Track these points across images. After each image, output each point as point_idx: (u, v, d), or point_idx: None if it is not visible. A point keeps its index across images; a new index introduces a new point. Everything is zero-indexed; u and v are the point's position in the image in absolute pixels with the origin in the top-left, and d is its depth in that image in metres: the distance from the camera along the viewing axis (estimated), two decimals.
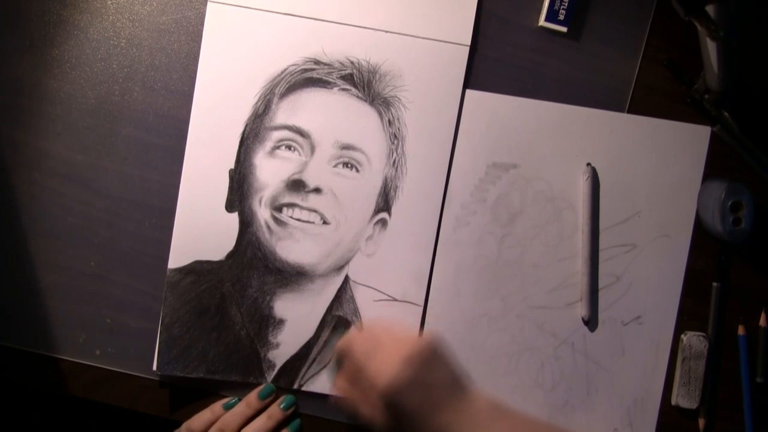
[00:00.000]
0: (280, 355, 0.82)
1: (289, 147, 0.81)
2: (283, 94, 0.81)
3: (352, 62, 0.82)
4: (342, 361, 0.74)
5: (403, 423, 0.68)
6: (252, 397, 0.81)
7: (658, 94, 0.85)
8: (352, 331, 0.82)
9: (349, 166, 0.82)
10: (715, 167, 0.85)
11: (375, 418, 0.70)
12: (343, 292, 0.83)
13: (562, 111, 0.84)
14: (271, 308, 0.82)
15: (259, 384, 0.82)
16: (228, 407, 0.81)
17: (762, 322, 0.85)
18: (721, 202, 0.80)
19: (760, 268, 0.86)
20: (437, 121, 0.83)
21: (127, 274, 0.83)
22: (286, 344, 0.82)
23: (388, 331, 0.73)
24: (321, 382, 0.83)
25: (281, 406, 0.82)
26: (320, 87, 0.81)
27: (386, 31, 0.82)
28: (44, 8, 0.81)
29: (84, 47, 0.82)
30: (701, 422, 0.85)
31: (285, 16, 0.81)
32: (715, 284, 0.85)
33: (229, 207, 0.81)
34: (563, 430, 0.70)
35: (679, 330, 0.85)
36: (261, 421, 0.80)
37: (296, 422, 0.83)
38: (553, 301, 0.84)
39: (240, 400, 0.82)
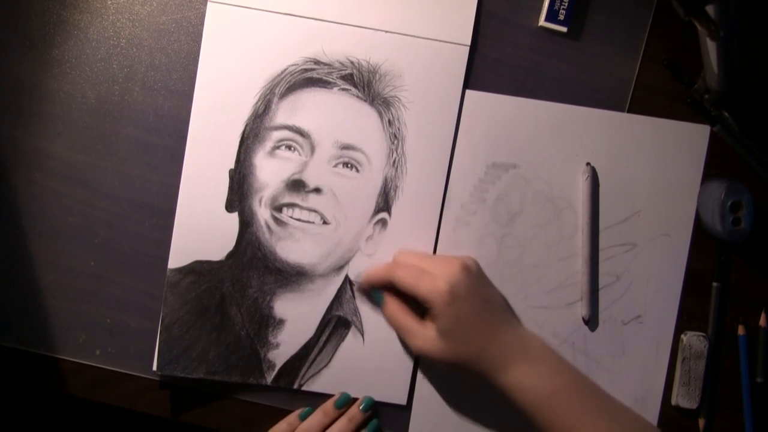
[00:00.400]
0: (280, 355, 0.82)
1: (289, 147, 0.81)
2: (283, 94, 0.81)
3: (352, 62, 0.82)
4: (381, 296, 0.79)
5: (456, 340, 0.70)
6: (329, 406, 0.82)
7: (658, 94, 0.85)
8: (386, 264, 0.81)
9: (349, 166, 0.82)
10: (715, 167, 0.85)
11: (428, 342, 0.72)
12: (343, 292, 0.83)
13: (562, 111, 0.84)
14: (271, 308, 0.82)
15: (258, 384, 0.82)
16: (303, 417, 0.81)
17: (762, 322, 0.85)
18: (721, 202, 0.80)
19: (760, 268, 0.86)
20: (437, 121, 0.83)
21: (127, 274, 0.83)
22: (286, 344, 0.82)
23: (427, 255, 0.79)
24: (321, 382, 0.83)
25: (361, 407, 0.82)
26: (320, 87, 0.81)
27: (386, 31, 0.82)
28: (44, 8, 0.81)
29: (84, 47, 0.82)
30: (701, 422, 0.85)
31: (285, 16, 0.81)
32: (715, 284, 0.85)
33: (229, 207, 0.81)
34: (600, 389, 0.72)
35: (679, 330, 0.85)
36: (342, 423, 0.81)
37: (374, 422, 0.83)
38: (553, 301, 0.84)
39: (313, 409, 0.82)
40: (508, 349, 0.72)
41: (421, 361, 0.84)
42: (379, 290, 0.81)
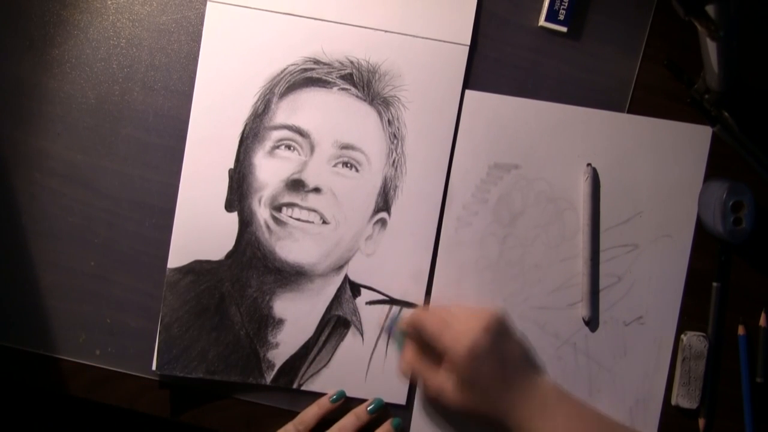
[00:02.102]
0: (279, 355, 0.82)
1: (288, 147, 0.81)
2: (283, 94, 0.81)
3: (351, 62, 0.82)
4: (402, 339, 0.79)
5: (473, 394, 0.71)
6: (361, 411, 0.82)
7: (658, 94, 0.85)
8: (419, 309, 0.82)
9: (348, 165, 0.82)
10: (715, 167, 0.85)
11: (444, 392, 0.72)
12: (343, 292, 0.83)
13: (562, 111, 0.84)
14: (270, 308, 0.82)
15: (258, 384, 0.82)
16: (334, 400, 0.82)
17: (762, 322, 0.85)
18: (723, 202, 0.80)
19: (760, 268, 0.86)
20: (437, 120, 0.83)
21: (127, 274, 0.83)
22: (285, 344, 0.82)
23: (458, 305, 0.79)
24: (320, 382, 0.83)
25: (393, 424, 0.83)
26: (320, 87, 0.81)
27: (386, 31, 0.82)
28: (44, 8, 0.82)
29: (84, 47, 0.82)
30: (701, 422, 0.85)
31: (285, 15, 0.81)
32: (715, 284, 0.85)
33: (229, 207, 0.81)
34: (624, 426, 0.72)
35: (679, 330, 0.85)
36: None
37: (397, 419, 0.84)
38: (554, 302, 0.84)
39: (344, 392, 0.83)
40: (524, 403, 0.72)
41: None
42: (401, 333, 0.82)
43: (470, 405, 0.72)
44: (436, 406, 0.83)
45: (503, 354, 0.73)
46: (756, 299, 0.86)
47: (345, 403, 0.83)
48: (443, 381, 0.74)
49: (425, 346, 0.77)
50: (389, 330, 0.83)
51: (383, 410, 0.83)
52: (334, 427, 0.80)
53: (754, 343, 0.85)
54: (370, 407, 0.82)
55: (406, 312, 0.83)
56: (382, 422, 0.82)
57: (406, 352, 0.80)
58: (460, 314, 0.76)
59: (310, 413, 0.81)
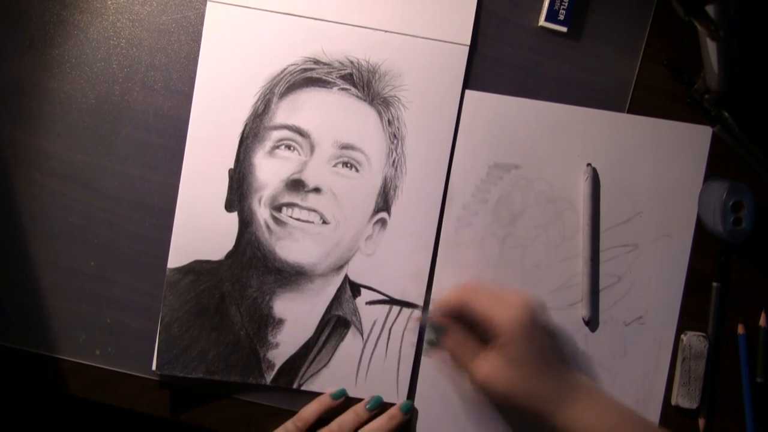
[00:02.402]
0: (279, 355, 0.82)
1: (288, 147, 0.81)
2: (283, 94, 0.81)
3: (351, 62, 0.82)
4: (441, 331, 0.76)
5: (523, 372, 0.70)
6: (360, 408, 0.82)
7: (658, 94, 0.85)
8: (459, 290, 0.78)
9: (348, 165, 0.82)
10: (715, 167, 0.85)
11: (494, 373, 0.71)
12: (343, 292, 0.83)
13: (562, 111, 0.84)
14: (270, 308, 0.82)
15: (258, 384, 0.82)
16: (335, 397, 0.82)
17: (762, 322, 0.85)
18: (723, 202, 0.80)
19: (760, 268, 0.86)
20: (437, 120, 0.83)
21: (127, 274, 0.83)
22: (285, 344, 0.82)
23: (498, 288, 0.78)
24: (320, 382, 0.83)
25: (402, 408, 0.83)
26: (320, 87, 0.81)
27: (386, 31, 0.82)
28: (44, 8, 0.82)
29: (84, 47, 0.82)
30: (701, 422, 0.85)
31: (285, 15, 0.81)
32: (715, 284, 0.85)
33: (229, 207, 0.81)
34: (653, 423, 0.72)
35: (679, 330, 0.85)
36: (382, 421, 0.82)
37: (408, 403, 0.84)
38: (555, 302, 0.84)
39: (345, 391, 0.83)
40: (567, 387, 0.72)
41: (422, 363, 0.84)
42: (438, 323, 0.78)
43: (519, 382, 0.70)
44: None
45: (550, 332, 0.73)
46: (756, 299, 0.86)
47: (345, 402, 0.83)
48: (493, 359, 0.71)
49: (465, 333, 0.76)
50: (423, 325, 0.83)
51: (382, 407, 0.83)
52: (332, 423, 0.80)
53: (754, 343, 0.85)
54: (369, 405, 0.82)
55: (437, 304, 0.79)
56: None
57: (447, 341, 0.77)
58: (505, 290, 0.75)
59: (310, 410, 0.81)
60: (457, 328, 0.76)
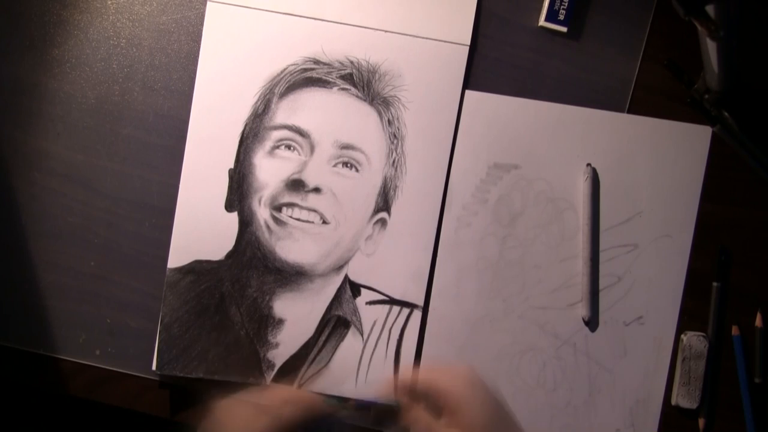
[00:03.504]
0: (279, 355, 0.82)
1: (288, 146, 0.81)
2: (283, 94, 0.81)
3: (351, 62, 0.82)
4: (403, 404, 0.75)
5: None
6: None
7: (658, 94, 0.85)
8: (434, 373, 0.77)
9: (348, 165, 0.82)
10: (715, 167, 0.85)
11: None
12: (343, 292, 0.83)
13: (562, 111, 0.84)
14: (270, 308, 0.82)
15: (258, 384, 0.82)
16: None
17: (758, 322, 0.85)
18: None
19: (760, 268, 0.86)
20: (437, 120, 0.83)
21: (127, 274, 0.83)
22: (285, 344, 0.82)
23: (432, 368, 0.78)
24: (320, 382, 0.83)
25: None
26: (320, 86, 0.81)
27: (386, 31, 0.82)
28: (44, 8, 0.82)
29: (84, 47, 0.82)
30: (701, 422, 0.85)
31: (285, 15, 0.81)
32: (715, 284, 0.85)
33: (229, 207, 0.81)
34: None
35: (679, 330, 0.85)
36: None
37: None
38: (554, 302, 0.84)
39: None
40: None
41: (422, 363, 0.84)
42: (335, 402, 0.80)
43: None
44: None
45: (496, 401, 0.73)
46: (755, 299, 0.86)
47: (343, 404, 0.83)
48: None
49: (420, 410, 0.74)
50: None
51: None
52: None
53: (752, 344, 0.85)
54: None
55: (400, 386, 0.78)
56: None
57: (405, 418, 0.75)
58: (441, 373, 0.74)
59: None
60: (412, 405, 0.75)
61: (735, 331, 0.85)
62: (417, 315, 0.83)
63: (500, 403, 0.74)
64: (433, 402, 0.73)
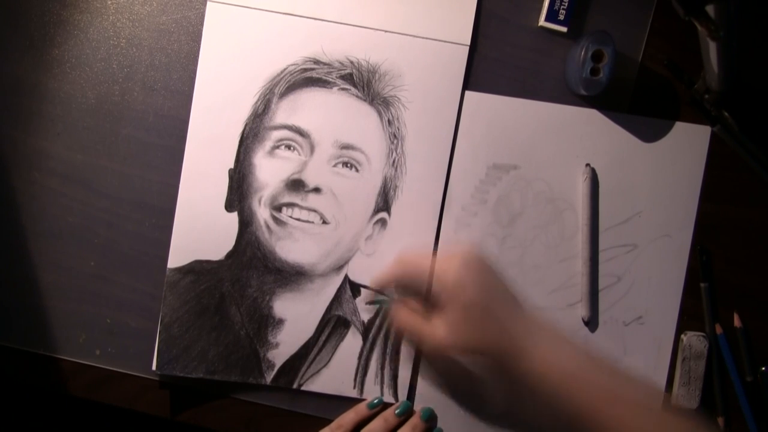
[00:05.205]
0: (279, 355, 0.82)
1: (288, 147, 0.81)
2: (283, 94, 0.81)
3: (351, 62, 0.82)
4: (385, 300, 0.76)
5: (465, 330, 0.67)
6: (390, 414, 0.82)
7: (658, 94, 0.85)
8: (391, 264, 0.75)
9: (348, 165, 0.82)
10: (715, 167, 0.85)
11: (438, 337, 0.67)
12: (343, 292, 0.83)
13: (562, 112, 0.84)
14: (270, 308, 0.82)
15: (258, 384, 0.82)
16: (372, 406, 0.82)
17: (736, 322, 0.85)
18: (585, 49, 0.78)
19: (760, 268, 0.86)
20: (437, 120, 0.83)
21: (127, 274, 0.83)
22: (285, 344, 0.82)
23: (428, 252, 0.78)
24: (320, 382, 0.83)
25: (422, 418, 0.82)
26: (320, 87, 0.81)
27: (386, 31, 0.82)
28: (44, 8, 0.82)
29: (84, 47, 0.82)
30: None
31: (285, 15, 0.81)
32: (702, 285, 0.85)
33: (229, 207, 0.81)
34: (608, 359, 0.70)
35: (679, 330, 0.85)
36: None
37: (427, 409, 0.83)
38: (554, 302, 0.84)
39: (382, 399, 0.83)
40: (523, 334, 0.69)
41: (422, 360, 0.83)
42: (384, 296, 0.79)
43: (463, 342, 0.67)
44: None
45: (489, 284, 0.70)
46: (751, 298, 0.86)
47: (350, 404, 0.83)
48: (436, 327, 0.68)
49: (413, 303, 0.73)
50: (371, 299, 0.83)
51: (410, 413, 0.82)
52: (363, 430, 0.80)
53: (752, 342, 0.85)
54: (398, 410, 0.81)
55: (376, 273, 0.78)
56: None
57: (396, 314, 0.73)
58: (437, 255, 0.72)
59: (347, 419, 0.81)
60: (404, 300, 0.73)
61: (719, 330, 0.85)
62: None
63: (499, 280, 0.71)
64: (428, 294, 0.70)
